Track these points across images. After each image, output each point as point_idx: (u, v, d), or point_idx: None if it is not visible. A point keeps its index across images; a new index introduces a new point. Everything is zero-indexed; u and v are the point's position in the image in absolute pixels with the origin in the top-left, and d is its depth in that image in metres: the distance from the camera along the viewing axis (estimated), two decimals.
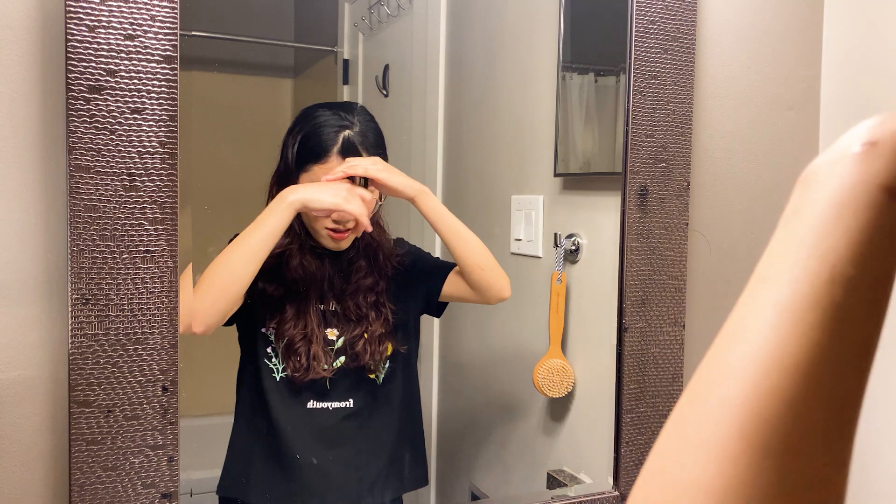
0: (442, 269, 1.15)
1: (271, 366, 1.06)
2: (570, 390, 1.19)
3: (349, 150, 1.05)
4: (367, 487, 1.11)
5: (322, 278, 1.09)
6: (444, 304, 1.18)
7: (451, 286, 1.13)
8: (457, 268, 1.13)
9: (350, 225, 1.06)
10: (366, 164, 1.05)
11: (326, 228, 1.06)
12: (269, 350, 1.06)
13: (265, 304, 1.06)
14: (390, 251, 1.14)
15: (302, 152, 1.05)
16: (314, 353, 1.06)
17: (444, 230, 1.08)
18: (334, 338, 1.08)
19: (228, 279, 0.97)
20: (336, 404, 1.09)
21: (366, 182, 1.04)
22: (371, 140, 1.07)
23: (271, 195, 1.06)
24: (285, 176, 1.06)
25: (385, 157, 1.08)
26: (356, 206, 1.00)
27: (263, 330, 1.06)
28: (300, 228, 1.07)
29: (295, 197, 0.99)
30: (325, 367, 1.06)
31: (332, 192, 1.00)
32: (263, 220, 0.98)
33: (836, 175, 0.30)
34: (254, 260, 0.97)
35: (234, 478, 1.09)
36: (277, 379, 1.06)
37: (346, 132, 1.05)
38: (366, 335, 1.09)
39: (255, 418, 1.09)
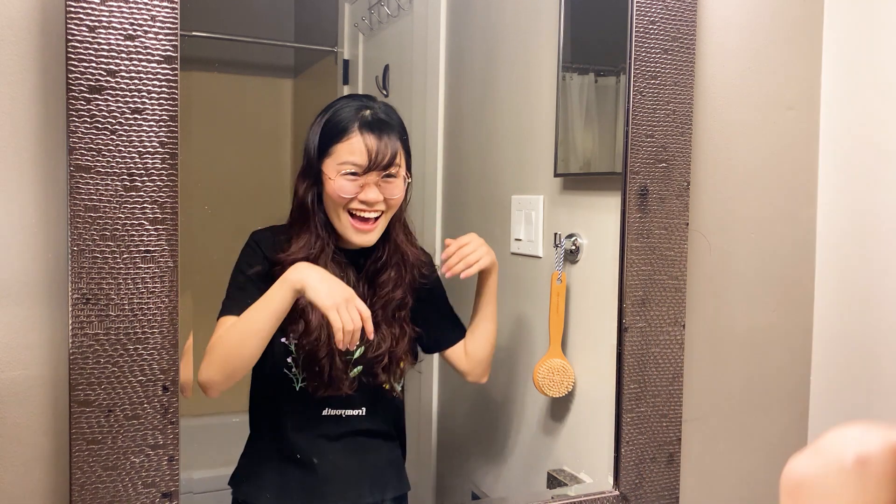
0: (456, 334, 1.15)
1: (291, 376, 1.04)
2: (570, 390, 1.19)
3: (370, 126, 1.02)
4: (370, 488, 1.11)
5: (346, 281, 1.04)
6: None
7: (452, 353, 1.15)
8: (464, 339, 1.15)
9: (378, 210, 1.03)
10: (475, 259, 1.07)
11: (351, 218, 1.02)
12: (289, 360, 1.03)
13: (292, 331, 1.03)
14: (417, 258, 1.10)
15: (324, 136, 1.03)
16: (336, 367, 1.03)
17: (488, 312, 1.13)
18: (354, 346, 1.06)
19: (237, 357, 0.97)
20: (350, 412, 1.07)
21: (389, 166, 1.02)
22: (395, 119, 1.05)
23: (296, 195, 1.04)
24: (308, 169, 1.04)
25: (407, 139, 1.06)
26: (348, 321, 0.94)
27: (283, 340, 1.03)
28: (325, 231, 1.04)
29: (297, 277, 0.96)
30: (346, 378, 1.04)
31: (330, 293, 0.95)
32: (269, 299, 0.96)
33: (832, 497, 0.31)
34: (259, 338, 0.97)
35: (247, 479, 1.09)
36: (297, 389, 1.04)
37: (367, 111, 1.03)
38: (388, 355, 1.07)
39: (270, 423, 1.08)
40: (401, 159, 1.04)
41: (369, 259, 1.07)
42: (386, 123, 1.03)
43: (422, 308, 1.12)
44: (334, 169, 1.01)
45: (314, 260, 1.02)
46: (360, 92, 1.34)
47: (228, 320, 1.00)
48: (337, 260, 1.05)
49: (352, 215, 1.03)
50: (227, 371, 0.97)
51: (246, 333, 0.97)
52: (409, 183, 1.06)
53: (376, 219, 1.03)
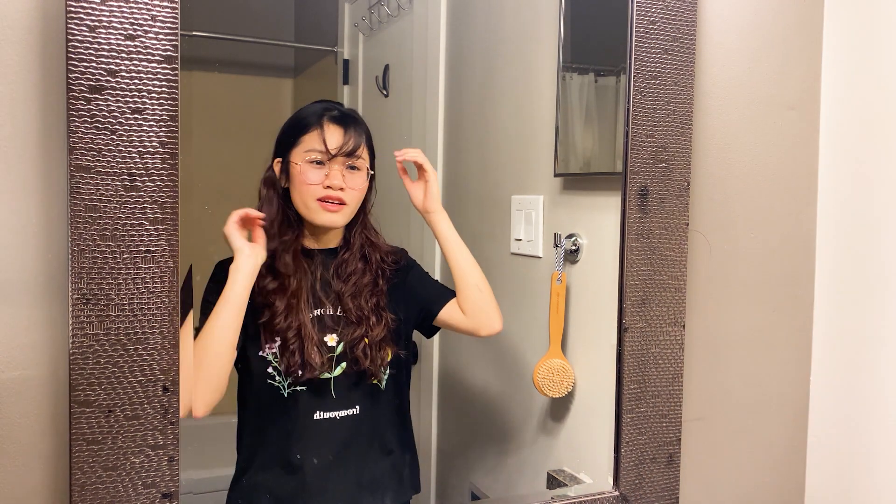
0: (443, 293, 1.15)
1: (276, 385, 1.05)
2: (570, 390, 1.19)
3: (336, 119, 1.07)
4: (369, 492, 1.11)
5: (315, 282, 1.08)
6: (437, 329, 1.18)
7: (447, 313, 1.14)
8: (456, 298, 1.13)
9: (339, 193, 1.06)
10: (423, 157, 1.09)
11: (318, 201, 1.05)
12: (270, 370, 1.04)
13: (260, 320, 1.04)
14: (385, 251, 1.13)
15: (291, 129, 1.08)
16: (308, 353, 1.04)
17: (450, 247, 1.11)
18: (334, 343, 1.07)
19: (213, 358, 0.98)
20: (343, 412, 1.08)
21: (353, 153, 1.06)
22: (358, 118, 1.10)
23: (261, 195, 1.08)
24: (275, 166, 1.08)
25: (371, 140, 1.10)
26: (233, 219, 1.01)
27: (261, 354, 1.04)
28: (292, 229, 1.07)
29: (237, 253, 0.99)
30: (321, 363, 1.05)
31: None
32: (226, 292, 0.99)
33: None
34: (229, 332, 0.98)
35: (245, 490, 1.08)
36: (286, 395, 1.05)
37: (333, 110, 1.09)
38: (366, 339, 1.08)
39: (263, 433, 1.08)
40: (364, 153, 1.08)
41: (337, 254, 1.11)
42: (351, 117, 1.09)
43: (402, 292, 1.14)
44: (301, 156, 1.06)
45: (283, 250, 1.06)
46: (360, 92, 1.35)
47: None
48: (306, 252, 1.09)
49: (321, 201, 1.06)
50: (205, 378, 0.97)
51: (215, 331, 0.98)
52: (371, 175, 1.10)
53: (343, 203, 1.07)
